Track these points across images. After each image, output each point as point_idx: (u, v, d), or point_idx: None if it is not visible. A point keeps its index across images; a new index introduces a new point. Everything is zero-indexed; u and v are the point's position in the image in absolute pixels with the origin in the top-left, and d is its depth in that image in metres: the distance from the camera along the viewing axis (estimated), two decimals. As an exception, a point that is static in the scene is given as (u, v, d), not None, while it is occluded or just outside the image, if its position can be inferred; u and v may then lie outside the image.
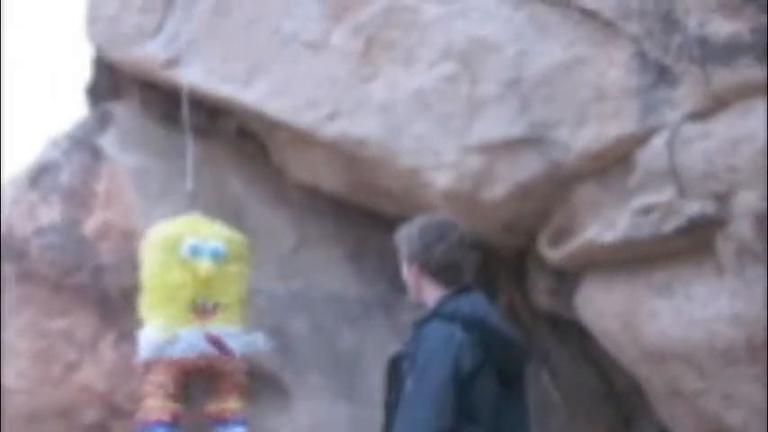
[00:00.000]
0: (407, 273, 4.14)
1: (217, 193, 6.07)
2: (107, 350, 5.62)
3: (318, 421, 5.66)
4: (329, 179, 6.00)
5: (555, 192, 5.25)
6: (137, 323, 5.43)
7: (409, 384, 3.83)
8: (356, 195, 6.00)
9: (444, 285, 4.03)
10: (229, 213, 5.79)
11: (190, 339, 5.13)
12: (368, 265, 6.07)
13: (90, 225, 5.85)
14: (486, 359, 3.83)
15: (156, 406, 5.10)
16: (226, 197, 6.11)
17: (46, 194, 5.98)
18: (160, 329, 5.11)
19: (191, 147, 5.76)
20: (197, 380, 5.27)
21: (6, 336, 5.69)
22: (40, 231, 5.82)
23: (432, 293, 4.05)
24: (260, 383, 5.68)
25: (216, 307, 5.23)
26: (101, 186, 5.97)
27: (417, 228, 4.14)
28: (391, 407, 3.94)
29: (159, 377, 5.11)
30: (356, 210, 6.09)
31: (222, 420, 5.25)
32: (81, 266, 5.73)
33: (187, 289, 5.19)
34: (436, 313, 3.95)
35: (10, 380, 5.63)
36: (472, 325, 3.86)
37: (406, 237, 4.16)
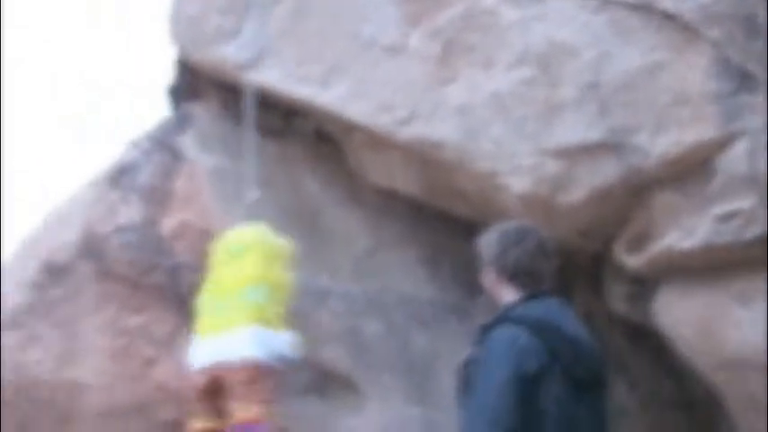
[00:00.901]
0: (485, 277, 4.16)
1: (293, 195, 6.11)
2: (184, 348, 5.67)
3: (391, 422, 5.66)
4: (405, 182, 6.00)
5: (633, 197, 5.20)
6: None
7: (475, 387, 3.85)
8: (432, 198, 5.99)
9: (519, 290, 4.03)
10: (305, 215, 5.83)
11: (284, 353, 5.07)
12: (442, 268, 6.06)
13: (167, 224, 5.92)
14: (552, 364, 3.83)
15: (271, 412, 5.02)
16: (301, 199, 6.14)
17: (126, 194, 6.07)
18: (287, 342, 5.06)
19: (254, 146, 5.73)
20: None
21: (85, 332, 5.78)
22: (119, 230, 5.90)
23: (507, 298, 4.05)
24: (334, 384, 5.72)
25: None
26: (179, 186, 6.04)
27: (496, 233, 4.16)
28: (461, 410, 3.96)
29: (270, 384, 5.01)
30: (431, 213, 6.08)
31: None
32: (159, 265, 5.80)
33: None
34: (504, 317, 3.96)
35: (88, 376, 5.71)
36: (538, 329, 3.86)
37: (485, 241, 4.18)
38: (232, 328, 5.00)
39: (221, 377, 5.00)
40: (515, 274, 4.06)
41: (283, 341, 5.03)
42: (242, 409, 4.98)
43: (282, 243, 5.27)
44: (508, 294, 4.07)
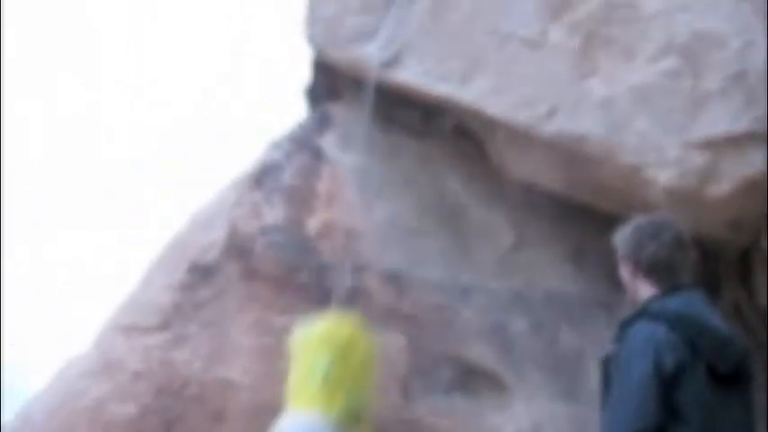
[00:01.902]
0: (622, 271, 4.14)
1: (434, 193, 6.12)
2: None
3: (539, 420, 5.64)
4: (547, 177, 5.96)
5: (782, 188, 5.10)
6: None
7: (615, 383, 3.83)
8: (575, 193, 5.94)
9: (657, 284, 4.01)
10: (447, 213, 5.84)
11: None
12: (588, 264, 6.00)
13: (312, 225, 5.98)
14: (693, 358, 3.78)
15: None
16: (443, 196, 6.15)
17: (268, 195, 6.14)
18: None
19: (369, 131, 5.73)
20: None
21: (233, 332, 5.87)
22: (264, 230, 5.98)
23: (645, 292, 4.03)
24: (479, 380, 5.72)
25: None
26: (322, 186, 6.10)
27: (632, 227, 4.16)
28: (603, 408, 3.94)
29: None
30: (575, 208, 6.03)
31: None
32: (304, 265, 5.86)
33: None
34: (642, 312, 3.95)
35: (236, 375, 5.79)
36: (677, 322, 3.83)
37: (621, 236, 4.19)
38: None
39: None
40: (652, 268, 4.04)
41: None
42: None
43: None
44: (646, 289, 4.05)
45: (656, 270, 4.03)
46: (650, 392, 3.72)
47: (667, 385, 3.73)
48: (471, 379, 5.74)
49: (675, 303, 3.95)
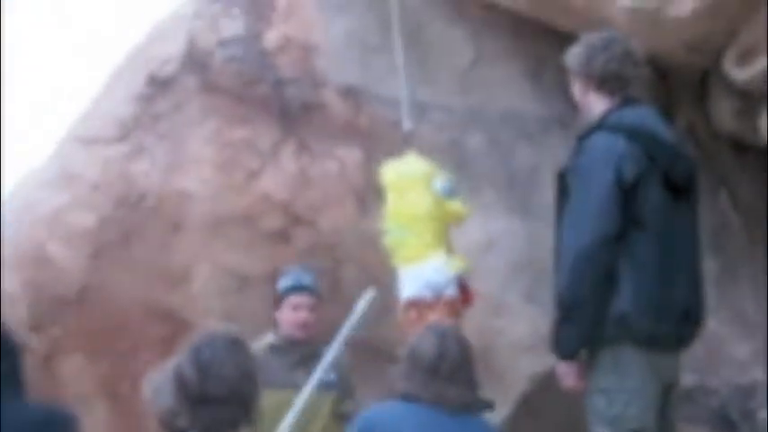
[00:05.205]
0: (574, 89, 4.16)
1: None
2: (287, 160, 5.73)
3: (492, 236, 5.71)
4: (510, -4, 5.89)
5: (744, 8, 5.06)
6: (315, 136, 5.54)
7: (573, 194, 3.90)
8: (535, 11, 5.87)
9: (609, 97, 4.06)
10: (407, 28, 5.76)
11: (453, 281, 4.82)
12: (546, 81, 5.99)
13: (270, 38, 5.91)
14: (650, 168, 3.86)
15: None
16: (404, 12, 6.06)
17: (227, 7, 6.05)
18: (441, 270, 4.80)
19: None
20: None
21: (191, 144, 5.86)
22: (222, 43, 5.91)
23: (597, 106, 4.08)
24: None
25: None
26: (281, 0, 6.01)
27: (582, 43, 4.19)
28: (560, 219, 4.01)
29: (434, 317, 4.74)
30: (535, 26, 5.97)
31: None
32: (262, 79, 5.82)
33: (446, 230, 4.95)
34: (600, 125, 4.00)
35: (194, 186, 5.81)
36: (636, 134, 3.91)
37: (572, 53, 4.20)
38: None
39: None
40: (603, 80, 4.08)
41: (431, 269, 4.80)
42: None
43: (413, 169, 5.00)
44: (599, 103, 4.10)
45: (607, 81, 4.06)
46: (612, 200, 3.81)
47: (628, 194, 3.83)
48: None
49: (631, 116, 4.01)
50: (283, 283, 5.02)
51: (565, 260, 3.87)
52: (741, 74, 5.27)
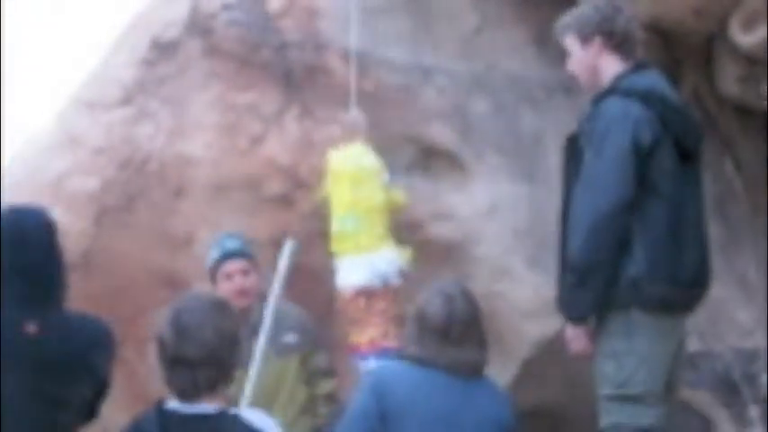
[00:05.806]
0: (583, 54, 4.10)
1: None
2: (291, 124, 5.70)
3: (497, 201, 5.70)
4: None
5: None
6: (319, 101, 5.51)
7: (588, 158, 3.87)
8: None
9: (625, 60, 4.02)
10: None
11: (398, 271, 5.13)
12: (551, 47, 5.90)
13: (274, 2, 5.87)
14: (664, 134, 3.85)
15: (388, 333, 5.03)
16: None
17: (231, -30, 6.01)
18: (392, 261, 5.09)
19: None
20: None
21: (194, 109, 5.84)
22: (226, 7, 5.87)
23: (611, 70, 4.03)
24: (440, 162, 5.76)
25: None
26: (285, -37, 5.97)
27: (589, 6, 4.12)
28: (570, 182, 3.98)
29: (381, 305, 5.07)
30: (540, -9, 5.96)
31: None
32: (265, 43, 5.79)
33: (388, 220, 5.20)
34: (613, 89, 3.97)
35: (198, 151, 5.79)
36: (649, 99, 3.88)
37: (576, 17, 4.15)
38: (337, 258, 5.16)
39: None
40: (624, 39, 4.03)
41: (383, 260, 5.07)
42: (355, 333, 5.09)
43: (370, 162, 5.20)
44: (613, 66, 4.05)
45: (627, 41, 4.04)
46: (629, 166, 3.80)
47: (642, 159, 3.81)
48: (431, 159, 5.78)
49: (644, 81, 3.99)
50: (211, 255, 4.95)
51: (579, 225, 3.86)
52: (746, 39, 5.26)
